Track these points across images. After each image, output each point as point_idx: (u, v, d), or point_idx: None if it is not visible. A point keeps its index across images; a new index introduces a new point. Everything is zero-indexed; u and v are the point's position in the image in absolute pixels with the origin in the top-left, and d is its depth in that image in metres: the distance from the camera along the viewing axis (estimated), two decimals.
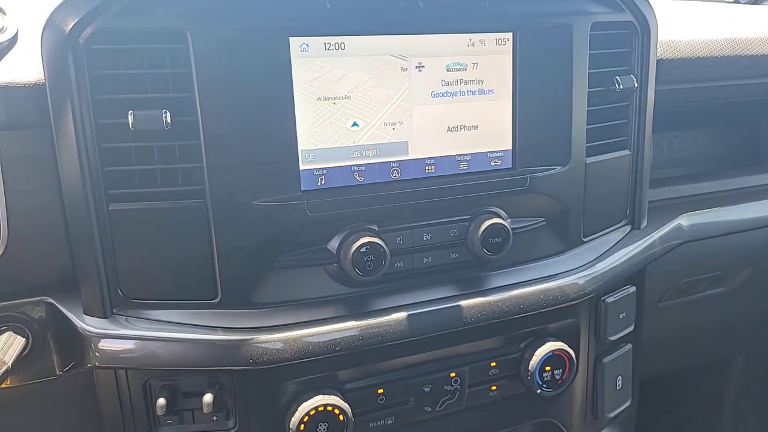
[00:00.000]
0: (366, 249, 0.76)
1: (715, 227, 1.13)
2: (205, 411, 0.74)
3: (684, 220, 1.08)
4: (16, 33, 0.75)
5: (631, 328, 1.02)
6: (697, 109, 1.25)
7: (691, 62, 1.07)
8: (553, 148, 0.88)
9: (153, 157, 0.72)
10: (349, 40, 0.75)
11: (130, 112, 0.69)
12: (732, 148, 1.36)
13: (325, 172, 0.77)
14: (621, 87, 0.93)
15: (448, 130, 0.83)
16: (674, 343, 1.30)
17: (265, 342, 0.74)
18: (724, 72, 1.12)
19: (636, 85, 0.95)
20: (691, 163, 1.34)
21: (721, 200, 1.17)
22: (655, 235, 1.03)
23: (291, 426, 0.77)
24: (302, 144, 0.75)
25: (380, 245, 0.77)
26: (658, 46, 0.98)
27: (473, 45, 0.82)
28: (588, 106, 0.89)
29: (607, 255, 0.96)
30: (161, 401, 0.74)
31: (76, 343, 0.75)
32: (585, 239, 0.96)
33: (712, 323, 1.32)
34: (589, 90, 0.89)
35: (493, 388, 0.89)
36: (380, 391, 0.83)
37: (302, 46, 0.73)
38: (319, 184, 0.77)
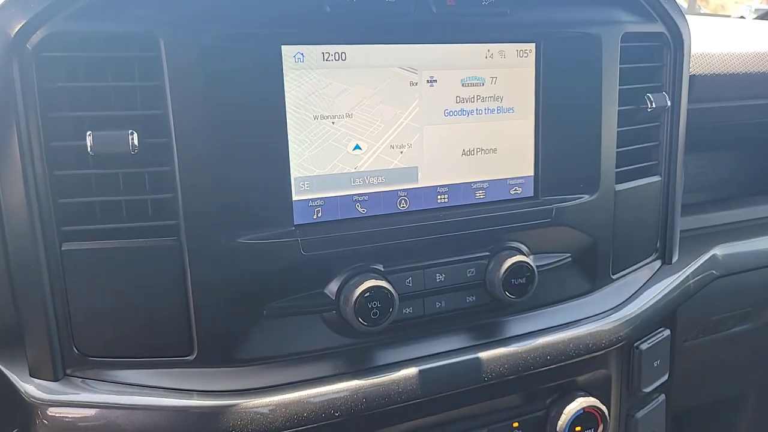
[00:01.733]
0: (370, 294, 0.69)
1: (750, 260, 1.06)
2: None
3: (718, 253, 0.99)
4: None
5: (666, 377, 0.92)
6: (719, 131, 1.17)
7: (723, 78, 0.98)
8: (580, 174, 0.82)
9: (117, 187, 0.65)
10: (351, 50, 0.68)
11: (88, 132, 0.61)
12: (757, 173, 1.28)
13: (322, 202, 0.70)
14: (653, 105, 0.85)
15: (463, 153, 0.76)
16: (692, 381, 1.22)
17: (251, 408, 0.65)
18: (755, 90, 1.04)
19: (668, 103, 0.87)
20: (712, 187, 1.25)
21: (753, 230, 1.10)
22: (688, 270, 0.95)
23: None
24: (295, 170, 0.68)
25: (387, 289, 0.69)
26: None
27: (492, 57, 0.75)
28: (617, 127, 0.82)
29: (639, 294, 0.89)
30: None
31: (20, 411, 0.66)
32: (614, 276, 0.87)
33: (731, 360, 1.26)
34: (619, 108, 0.81)
35: None
36: None
37: (296, 56, 0.66)
38: (315, 217, 0.69)
